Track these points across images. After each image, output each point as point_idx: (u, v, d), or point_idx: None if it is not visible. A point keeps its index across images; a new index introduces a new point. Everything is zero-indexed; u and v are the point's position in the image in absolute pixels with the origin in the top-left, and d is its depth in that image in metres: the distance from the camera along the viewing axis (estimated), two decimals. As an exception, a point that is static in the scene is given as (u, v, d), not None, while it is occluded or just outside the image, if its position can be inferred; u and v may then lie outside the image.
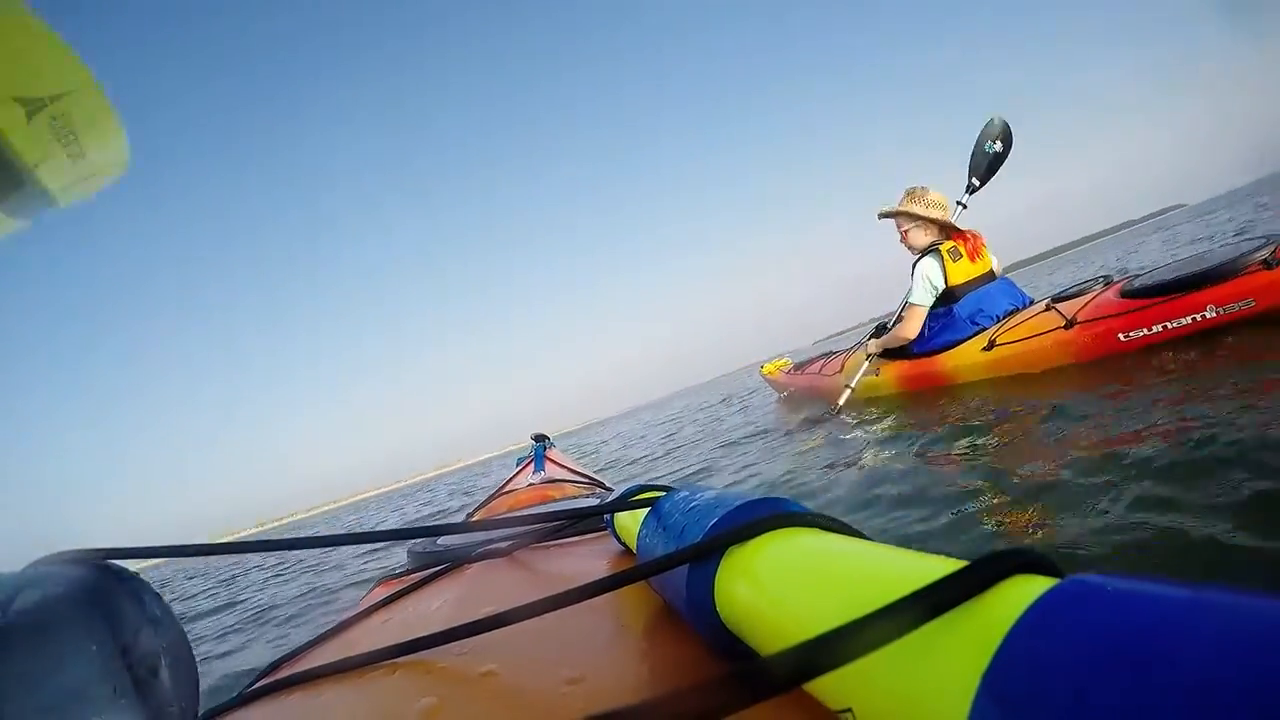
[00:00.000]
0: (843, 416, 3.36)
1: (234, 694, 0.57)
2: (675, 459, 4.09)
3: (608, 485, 1.67)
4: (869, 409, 3.35)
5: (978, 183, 3.38)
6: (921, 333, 3.25)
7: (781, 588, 0.33)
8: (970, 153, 3.38)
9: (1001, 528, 1.28)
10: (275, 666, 0.67)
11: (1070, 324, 2.56)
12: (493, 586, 0.70)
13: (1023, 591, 0.20)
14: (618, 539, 0.72)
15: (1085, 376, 2.36)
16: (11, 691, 0.33)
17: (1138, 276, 2.52)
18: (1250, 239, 2.31)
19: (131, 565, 0.48)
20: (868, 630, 0.21)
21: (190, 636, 0.44)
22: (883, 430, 2.73)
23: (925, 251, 3.19)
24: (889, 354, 3.49)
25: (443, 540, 0.98)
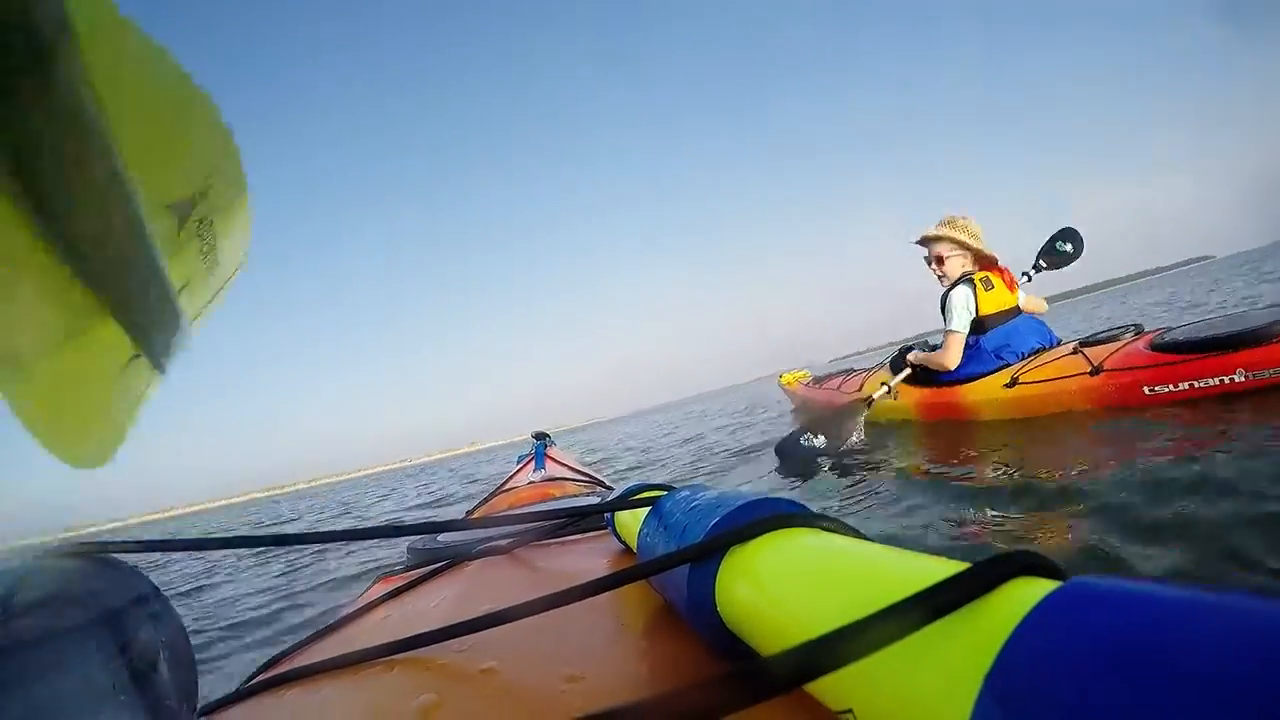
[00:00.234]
0: (856, 439, 3.26)
1: (233, 689, 0.57)
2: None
3: (608, 484, 1.67)
4: (883, 439, 3.28)
5: (1044, 265, 3.45)
6: None
7: (783, 588, 0.33)
8: (1043, 245, 3.47)
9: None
10: (274, 662, 0.67)
11: (1096, 371, 2.51)
12: (492, 584, 0.70)
13: (1026, 594, 0.20)
14: (618, 538, 0.72)
15: (1107, 429, 2.30)
16: (11, 686, 0.33)
17: (1171, 330, 2.48)
18: None
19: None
20: (869, 631, 0.21)
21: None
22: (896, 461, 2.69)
23: (958, 281, 3.15)
24: (910, 378, 3.42)
25: (443, 537, 0.98)
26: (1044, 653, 0.18)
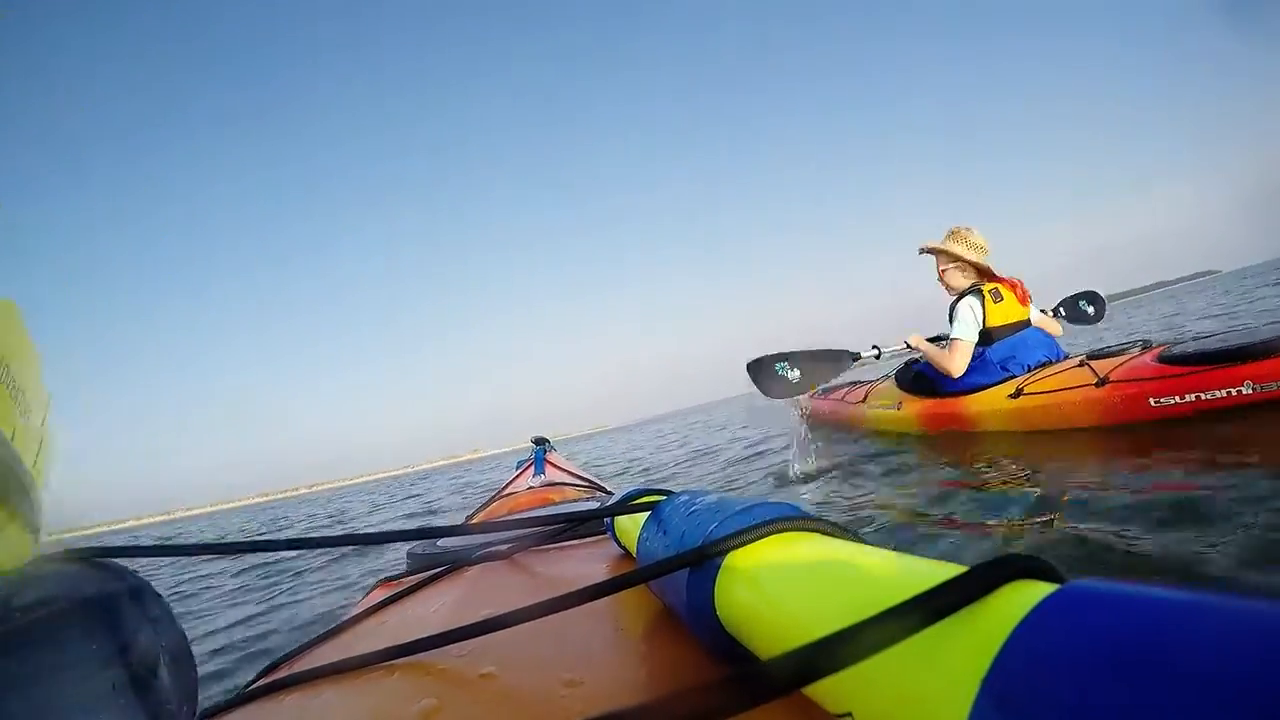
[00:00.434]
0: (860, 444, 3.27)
1: (233, 693, 0.57)
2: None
3: (608, 489, 1.67)
4: (884, 448, 3.28)
5: (1063, 313, 3.52)
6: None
7: (782, 592, 0.33)
8: (1065, 299, 3.53)
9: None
10: (274, 667, 0.67)
11: (1102, 382, 2.48)
12: (492, 589, 0.70)
13: (1023, 596, 0.20)
14: (618, 543, 0.72)
15: (1111, 441, 2.29)
16: (11, 690, 0.33)
17: (1179, 344, 2.45)
18: None
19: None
20: (868, 634, 0.21)
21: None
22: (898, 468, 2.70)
23: (965, 292, 3.14)
24: (913, 389, 3.42)
25: (442, 542, 0.98)
26: (1041, 655, 0.18)
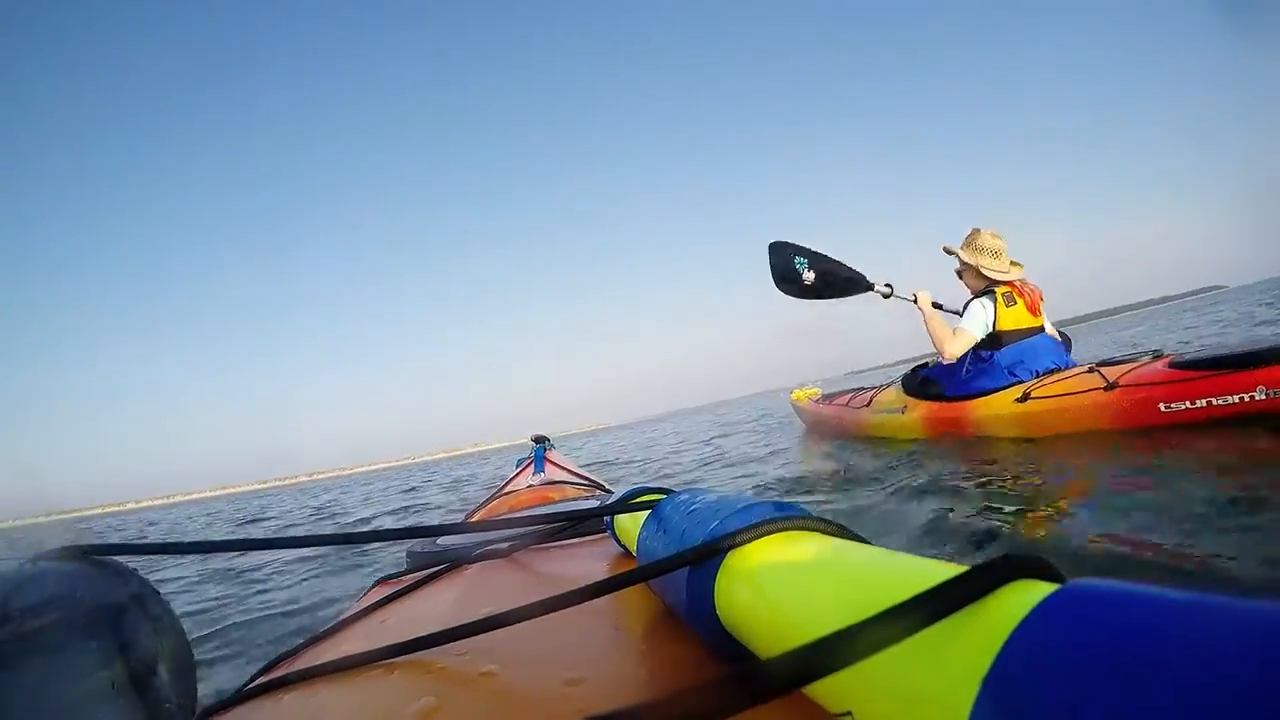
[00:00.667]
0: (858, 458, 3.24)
1: (232, 692, 0.57)
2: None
3: (608, 487, 1.67)
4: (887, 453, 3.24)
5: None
6: (957, 374, 3.15)
7: (782, 591, 0.33)
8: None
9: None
10: (273, 665, 0.67)
11: (1111, 386, 2.44)
12: (492, 587, 0.70)
13: (1023, 596, 0.20)
14: (618, 541, 0.72)
15: (1119, 446, 2.24)
16: (10, 688, 0.33)
17: (1192, 352, 2.41)
18: None
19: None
20: (868, 634, 0.21)
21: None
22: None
23: (982, 292, 3.12)
24: (919, 393, 3.39)
25: (442, 540, 0.98)
26: (1042, 655, 0.18)
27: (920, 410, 3.34)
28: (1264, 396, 2.04)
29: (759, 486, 3.15)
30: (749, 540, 0.38)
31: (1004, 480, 2.08)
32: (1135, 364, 2.53)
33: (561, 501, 1.42)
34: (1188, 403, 2.20)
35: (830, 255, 3.50)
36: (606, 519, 0.73)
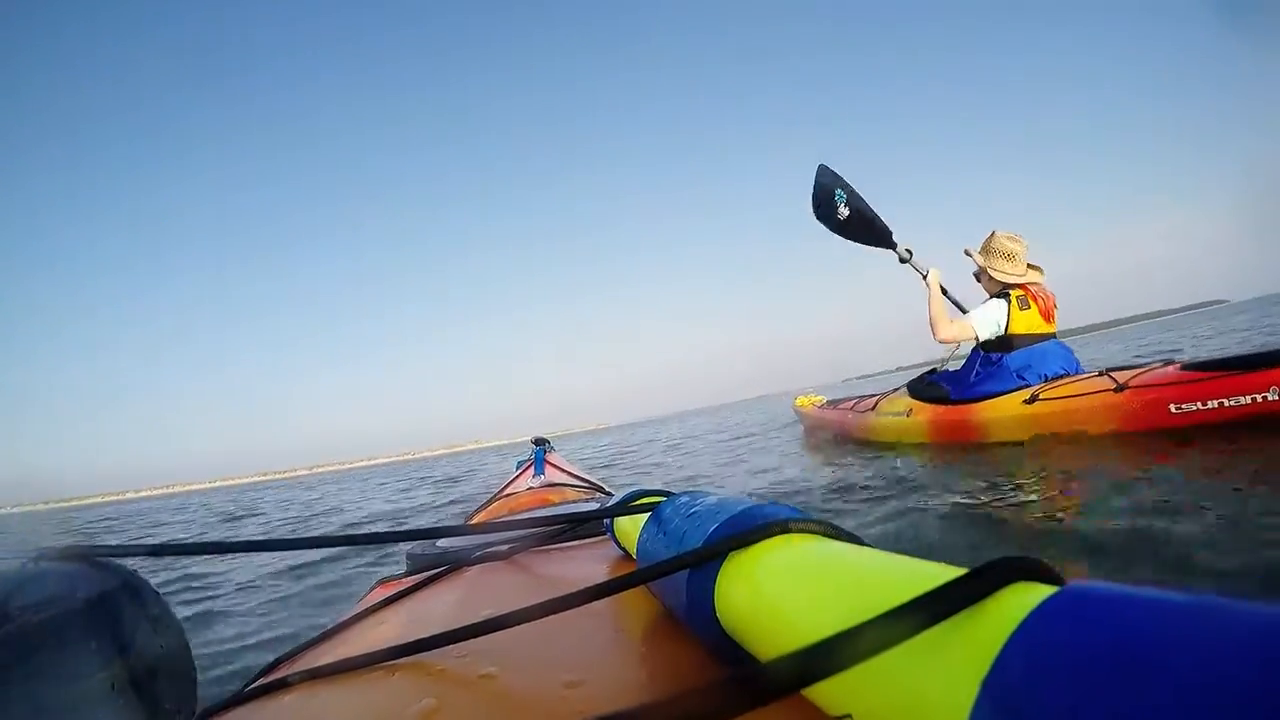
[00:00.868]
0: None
1: (231, 693, 0.57)
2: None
3: (608, 489, 1.67)
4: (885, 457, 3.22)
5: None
6: (966, 377, 3.14)
7: (782, 594, 0.33)
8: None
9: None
10: (273, 666, 0.67)
11: (1121, 388, 2.40)
12: (492, 589, 0.70)
13: (1023, 598, 0.20)
14: (617, 544, 0.72)
15: (1129, 447, 2.20)
16: (10, 688, 0.33)
17: (1203, 355, 2.38)
18: None
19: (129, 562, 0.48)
20: (868, 636, 0.21)
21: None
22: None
23: (999, 293, 3.11)
24: (925, 397, 3.37)
25: (442, 542, 0.98)
26: (1041, 657, 0.18)
27: (926, 413, 3.32)
28: (1277, 397, 2.01)
29: (761, 488, 3.14)
30: (749, 543, 0.38)
31: (1010, 482, 2.07)
32: (1146, 369, 2.50)
33: (561, 504, 1.42)
34: (1199, 404, 2.16)
35: (868, 203, 3.49)
36: (606, 521, 0.73)
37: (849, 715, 0.25)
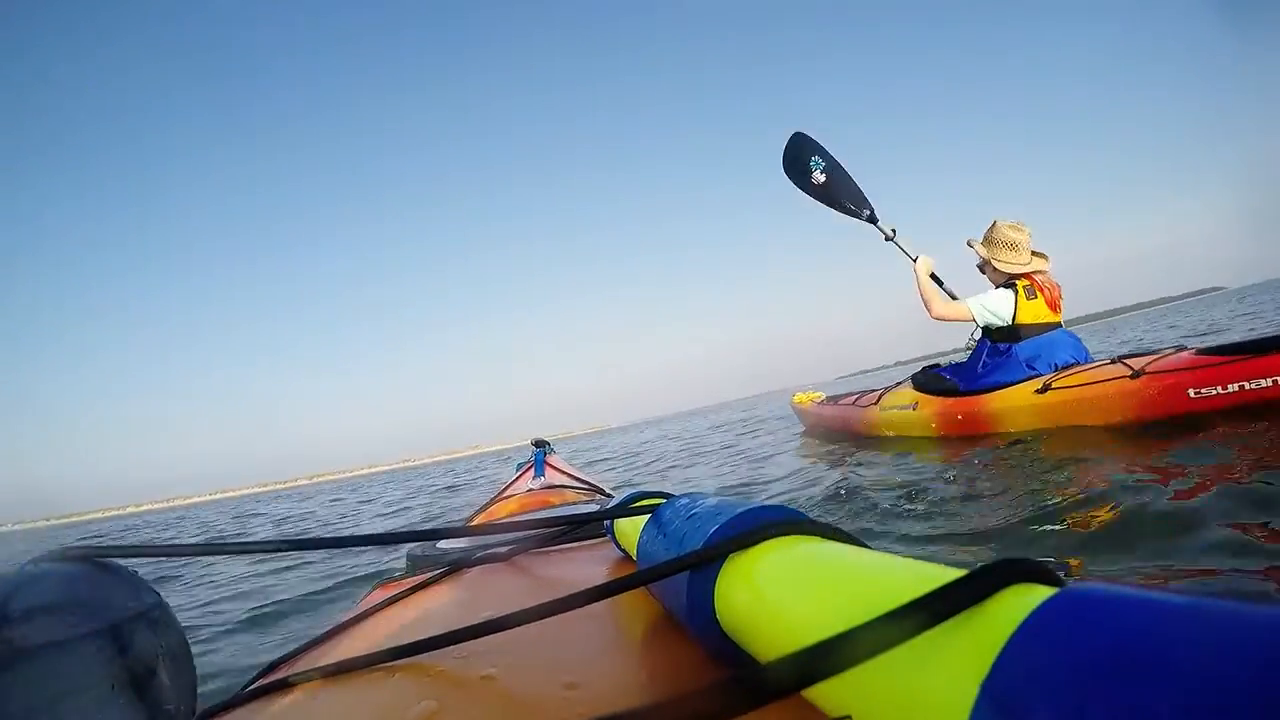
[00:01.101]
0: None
1: (231, 694, 0.57)
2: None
3: (608, 491, 1.67)
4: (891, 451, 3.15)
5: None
6: (974, 368, 3.09)
7: (782, 595, 0.33)
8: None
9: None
10: (272, 667, 0.67)
11: (1137, 374, 2.35)
12: (492, 591, 0.70)
13: (1022, 600, 0.20)
14: (618, 545, 0.72)
15: (1147, 436, 2.15)
16: (10, 689, 0.33)
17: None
18: None
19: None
20: (867, 637, 0.21)
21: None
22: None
23: (1005, 283, 3.07)
24: (930, 389, 3.31)
25: (442, 544, 0.98)
26: (1040, 659, 0.18)
27: (933, 406, 3.24)
28: None
29: (759, 485, 3.11)
30: (749, 545, 0.38)
31: (1022, 475, 2.02)
32: (1160, 355, 2.45)
33: (561, 505, 1.42)
34: (1219, 388, 2.12)
35: (847, 171, 3.51)
36: (607, 523, 0.73)
37: (849, 717, 0.25)
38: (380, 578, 0.98)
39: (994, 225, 3.12)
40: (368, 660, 0.50)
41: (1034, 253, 3.10)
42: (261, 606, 2.69)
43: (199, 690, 0.46)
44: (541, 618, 0.42)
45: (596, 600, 0.41)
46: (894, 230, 3.41)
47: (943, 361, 3.41)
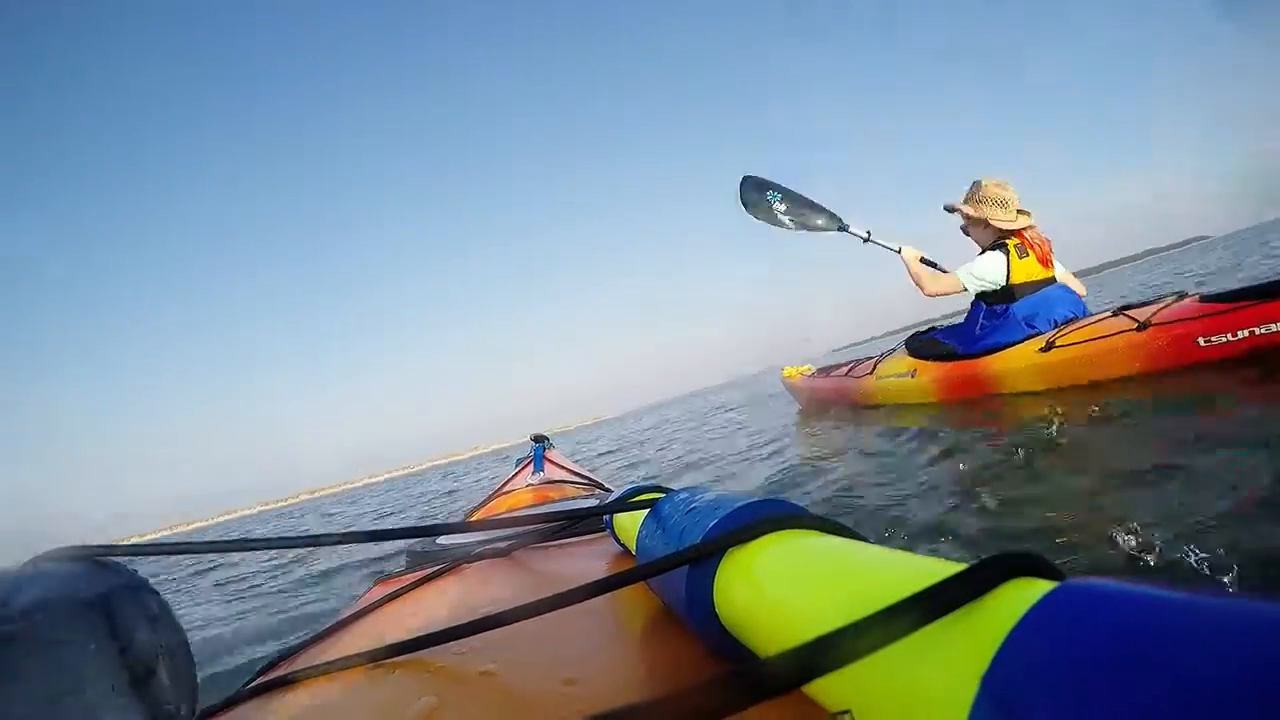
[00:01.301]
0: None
1: (231, 692, 0.57)
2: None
3: (607, 486, 1.67)
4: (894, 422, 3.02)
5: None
6: (971, 331, 3.01)
7: (781, 590, 0.33)
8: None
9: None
10: (273, 665, 0.67)
11: (1144, 326, 2.28)
12: (491, 587, 0.70)
13: (1022, 594, 0.20)
14: (617, 540, 0.72)
15: (1158, 389, 2.09)
16: (10, 689, 0.33)
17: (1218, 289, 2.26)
18: None
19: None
20: (867, 632, 0.21)
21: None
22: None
23: (993, 246, 2.97)
24: (927, 354, 3.23)
25: (441, 540, 0.98)
26: (1041, 653, 0.18)
27: (932, 372, 3.16)
28: None
29: (757, 461, 2.99)
30: (748, 539, 0.38)
31: (1031, 444, 1.90)
32: (1162, 304, 2.39)
33: (561, 501, 1.42)
34: (1229, 335, 2.06)
35: (804, 194, 3.60)
36: (606, 518, 0.73)
37: (849, 712, 0.26)
38: (380, 574, 0.98)
39: (980, 184, 3.03)
40: (368, 657, 0.50)
41: (1019, 210, 3.03)
42: (261, 607, 2.69)
43: (199, 688, 0.46)
44: (540, 613, 0.42)
45: (595, 595, 0.41)
46: (869, 232, 3.43)
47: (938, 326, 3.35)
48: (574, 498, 1.44)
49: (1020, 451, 1.82)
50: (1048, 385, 2.63)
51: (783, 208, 3.53)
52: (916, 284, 3.15)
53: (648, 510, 0.55)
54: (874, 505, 1.79)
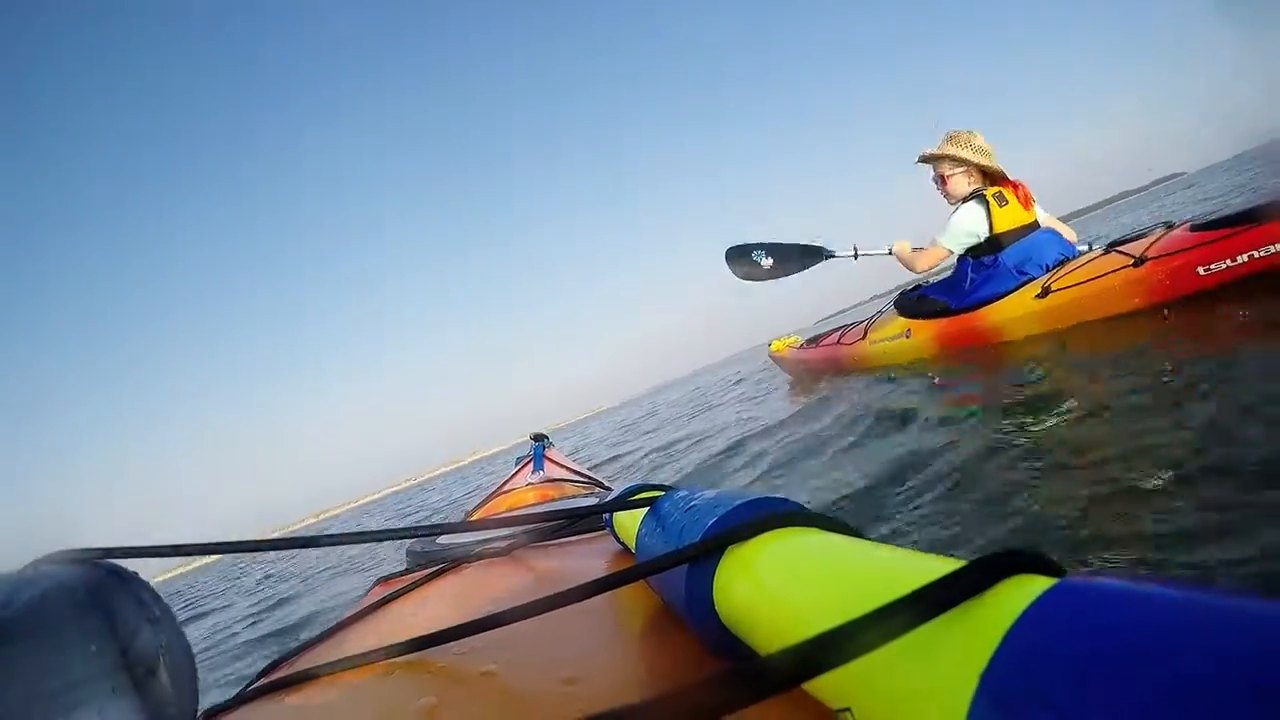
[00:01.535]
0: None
1: (233, 694, 0.57)
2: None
3: (607, 484, 1.67)
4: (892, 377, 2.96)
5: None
6: (961, 286, 2.95)
7: (781, 587, 0.33)
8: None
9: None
10: (274, 666, 0.67)
11: (1140, 260, 2.23)
12: (491, 586, 0.70)
13: (1022, 591, 0.20)
14: (616, 539, 0.72)
15: (1165, 323, 2.04)
16: (10, 690, 0.33)
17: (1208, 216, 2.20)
18: None
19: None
20: (867, 630, 0.21)
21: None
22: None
23: (968, 198, 2.91)
24: (920, 313, 3.17)
25: (441, 540, 0.98)
26: (1040, 650, 0.18)
27: (928, 330, 3.10)
28: None
29: (754, 459, 2.92)
30: (747, 537, 0.38)
31: (1039, 399, 1.83)
32: (1153, 237, 2.34)
33: (560, 499, 1.43)
34: (1228, 260, 2.03)
35: (784, 242, 3.75)
36: (606, 516, 0.73)
37: (848, 709, 0.26)
38: (380, 574, 0.98)
39: (964, 133, 2.96)
40: (369, 657, 0.50)
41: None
42: (262, 605, 2.69)
43: (200, 690, 0.46)
44: (540, 613, 0.42)
45: (595, 594, 0.41)
46: (855, 248, 3.50)
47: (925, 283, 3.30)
48: (573, 496, 1.44)
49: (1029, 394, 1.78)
50: (1047, 329, 2.58)
51: (769, 262, 3.69)
52: (910, 270, 3.16)
53: (647, 509, 0.55)
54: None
